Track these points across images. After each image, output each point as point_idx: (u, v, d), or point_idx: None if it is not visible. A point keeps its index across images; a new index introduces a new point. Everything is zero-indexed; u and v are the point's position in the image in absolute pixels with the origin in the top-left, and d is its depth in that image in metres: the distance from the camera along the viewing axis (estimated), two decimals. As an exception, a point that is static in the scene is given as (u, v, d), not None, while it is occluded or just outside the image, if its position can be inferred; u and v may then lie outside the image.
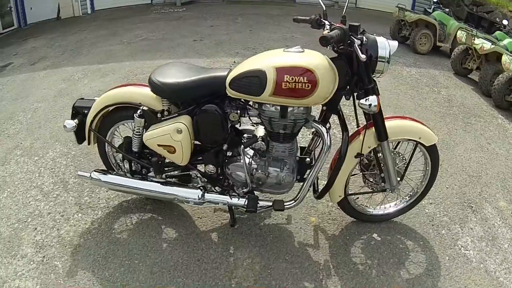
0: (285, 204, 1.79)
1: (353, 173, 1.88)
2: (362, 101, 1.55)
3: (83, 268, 1.81)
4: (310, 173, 1.75)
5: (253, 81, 1.55)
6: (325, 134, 1.67)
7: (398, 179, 1.89)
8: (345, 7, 1.71)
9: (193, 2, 8.33)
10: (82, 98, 1.98)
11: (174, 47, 5.38)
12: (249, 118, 1.79)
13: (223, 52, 5.15)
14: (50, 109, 3.43)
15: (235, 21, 7.07)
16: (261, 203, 1.79)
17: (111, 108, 1.83)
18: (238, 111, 1.70)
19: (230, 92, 1.62)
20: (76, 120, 1.86)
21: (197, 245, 1.89)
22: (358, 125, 1.86)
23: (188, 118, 1.70)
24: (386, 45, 1.54)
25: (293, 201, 1.79)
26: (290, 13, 6.98)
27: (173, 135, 1.66)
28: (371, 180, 1.93)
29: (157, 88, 1.70)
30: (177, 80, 1.68)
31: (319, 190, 1.85)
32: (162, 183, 1.84)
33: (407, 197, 2.06)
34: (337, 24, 1.57)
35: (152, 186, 1.84)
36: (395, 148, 1.92)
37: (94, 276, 1.77)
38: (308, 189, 1.77)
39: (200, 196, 1.77)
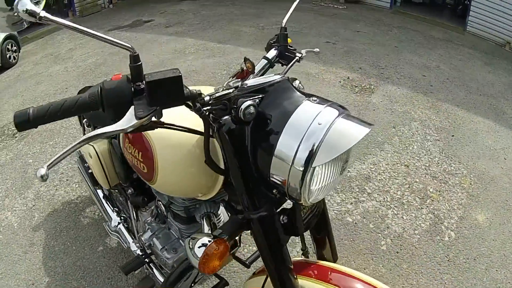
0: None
1: None
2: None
3: (44, 229, 2.28)
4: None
5: None
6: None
7: None
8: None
9: (359, 2, 7.96)
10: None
11: (299, 44, 5.38)
12: None
13: (345, 63, 4.90)
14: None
15: (388, 32, 6.50)
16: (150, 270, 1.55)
17: None
18: None
19: None
20: None
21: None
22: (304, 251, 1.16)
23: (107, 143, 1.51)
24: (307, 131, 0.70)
25: None
26: (452, 40, 5.99)
27: (86, 156, 1.54)
28: None
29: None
30: None
31: None
32: (104, 194, 1.98)
33: None
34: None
35: (99, 191, 1.97)
36: None
37: (44, 238, 2.21)
38: None
39: (115, 225, 1.80)
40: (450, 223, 2.29)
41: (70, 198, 2.49)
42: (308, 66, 4.64)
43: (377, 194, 2.47)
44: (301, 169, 0.69)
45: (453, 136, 3.20)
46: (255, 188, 0.80)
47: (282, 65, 1.05)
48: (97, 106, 0.69)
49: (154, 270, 1.60)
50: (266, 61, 1.03)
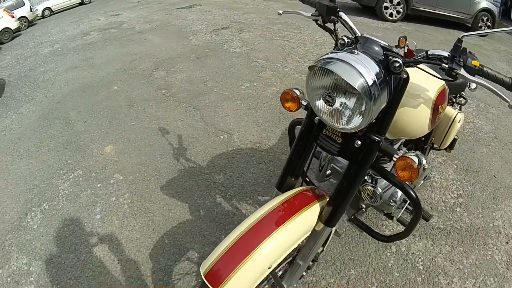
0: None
1: None
2: None
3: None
4: None
5: None
6: None
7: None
8: None
9: None
10: None
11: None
12: None
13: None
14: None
15: None
16: None
17: None
18: None
19: None
20: None
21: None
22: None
23: None
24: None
25: None
26: None
27: None
28: None
29: None
30: None
31: None
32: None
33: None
34: None
35: None
36: None
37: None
38: None
39: None
40: None
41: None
42: None
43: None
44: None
45: None
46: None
47: (441, 69, 1.10)
48: (309, 3, 1.42)
49: None
50: (424, 53, 1.13)
